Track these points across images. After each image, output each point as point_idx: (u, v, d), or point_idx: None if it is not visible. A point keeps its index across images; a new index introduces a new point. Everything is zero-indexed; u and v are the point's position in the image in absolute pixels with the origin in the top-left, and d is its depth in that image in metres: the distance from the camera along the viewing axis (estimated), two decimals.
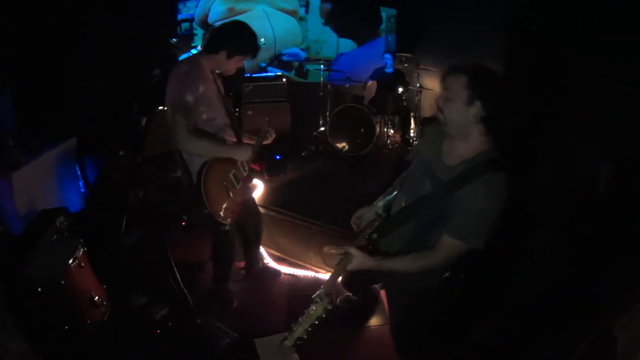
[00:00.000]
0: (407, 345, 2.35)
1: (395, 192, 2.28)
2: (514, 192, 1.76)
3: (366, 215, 2.29)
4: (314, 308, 1.64)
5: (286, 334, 1.61)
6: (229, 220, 2.78)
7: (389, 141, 5.93)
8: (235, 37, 2.62)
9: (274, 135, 3.01)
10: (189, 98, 2.48)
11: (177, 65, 2.63)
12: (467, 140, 1.82)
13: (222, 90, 2.86)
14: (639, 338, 1.73)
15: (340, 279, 2.91)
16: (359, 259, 1.85)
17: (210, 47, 2.65)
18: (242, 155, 2.79)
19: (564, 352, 2.19)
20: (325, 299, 1.65)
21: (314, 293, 3.32)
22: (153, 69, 2.27)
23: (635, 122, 2.95)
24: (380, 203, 2.32)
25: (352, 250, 1.86)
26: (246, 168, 2.89)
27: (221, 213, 2.71)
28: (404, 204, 2.03)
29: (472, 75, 1.71)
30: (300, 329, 1.61)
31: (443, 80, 1.80)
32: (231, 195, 2.75)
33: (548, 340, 2.44)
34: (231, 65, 2.70)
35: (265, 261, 3.76)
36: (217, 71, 2.80)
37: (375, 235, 2.05)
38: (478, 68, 1.74)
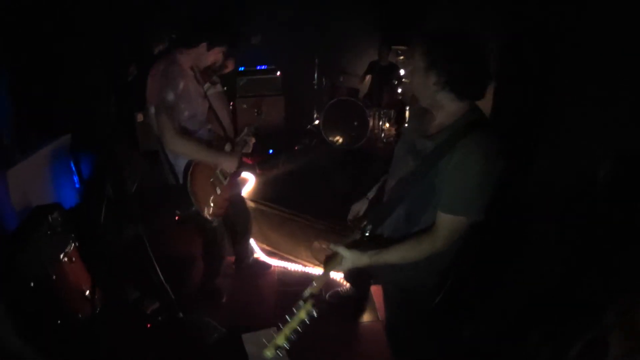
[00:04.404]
0: (402, 342, 2.33)
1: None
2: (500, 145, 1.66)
3: (362, 209, 2.24)
4: (295, 311, 1.55)
5: (265, 341, 1.53)
6: (217, 216, 2.83)
7: (383, 135, 5.96)
8: (213, 27, 2.57)
9: (253, 141, 3.04)
10: (171, 97, 2.47)
11: (155, 65, 2.59)
12: (443, 110, 1.75)
13: (208, 84, 2.86)
14: (634, 345, 1.72)
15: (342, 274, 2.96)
16: (349, 261, 1.72)
17: (187, 42, 2.59)
18: (229, 166, 2.81)
19: (557, 354, 2.19)
20: (309, 301, 1.56)
21: (304, 288, 3.39)
22: (128, 66, 2.22)
23: (636, 116, 2.94)
24: (372, 194, 2.27)
25: (341, 251, 1.72)
26: None
27: (209, 209, 2.74)
28: (392, 189, 1.95)
29: (428, 44, 1.66)
30: (280, 337, 1.52)
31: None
32: (218, 191, 2.79)
33: (541, 340, 2.44)
34: (210, 58, 2.65)
35: (255, 255, 3.82)
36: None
37: (369, 227, 1.91)
38: (435, 36, 1.68)
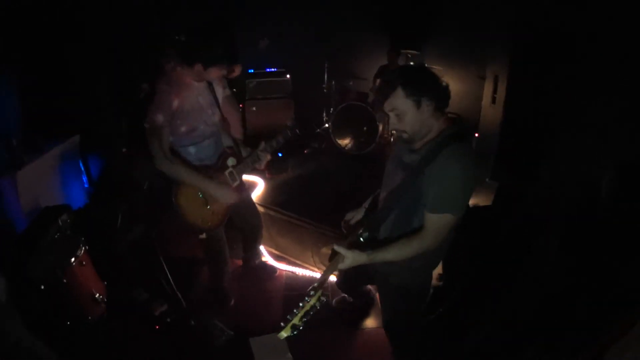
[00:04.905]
0: (400, 344, 2.43)
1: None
2: (514, 197, 1.76)
3: (356, 216, 2.39)
4: (307, 299, 1.68)
5: (282, 324, 1.64)
6: (207, 230, 2.79)
7: (392, 139, 5.93)
8: (206, 49, 2.48)
9: (268, 158, 2.94)
10: (159, 119, 2.44)
11: (157, 80, 2.53)
12: (432, 129, 1.93)
13: (220, 93, 2.82)
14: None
15: (335, 278, 3.00)
16: (350, 258, 1.86)
17: (185, 60, 2.52)
18: (220, 196, 2.71)
19: None
20: (319, 290, 1.70)
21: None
22: (140, 83, 2.17)
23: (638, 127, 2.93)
24: (368, 204, 2.40)
25: (342, 251, 1.86)
26: (236, 178, 2.85)
27: (194, 223, 2.70)
28: (384, 200, 2.11)
29: (403, 83, 1.83)
30: (295, 319, 1.64)
31: (384, 107, 1.93)
32: (208, 207, 2.72)
33: (541, 351, 2.44)
34: (212, 74, 2.59)
35: (263, 258, 3.81)
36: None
37: (365, 234, 2.10)
38: (402, 73, 1.89)
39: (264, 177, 4.47)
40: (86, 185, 4.44)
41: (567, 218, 3.11)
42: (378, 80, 6.30)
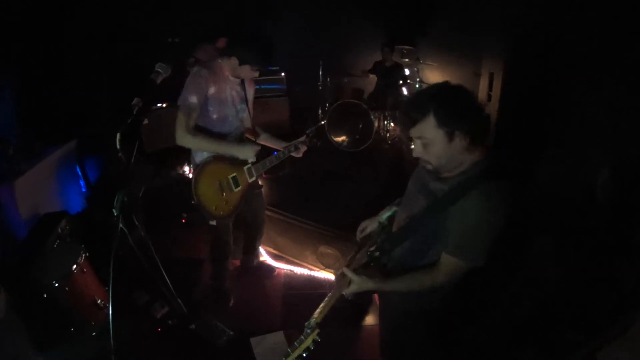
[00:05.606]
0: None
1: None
2: (512, 199, 1.64)
3: (370, 227, 2.24)
4: (303, 338, 1.59)
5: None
6: (217, 218, 2.86)
7: (388, 135, 5.96)
8: (246, 46, 2.61)
9: (304, 149, 3.14)
10: (191, 99, 2.58)
11: (196, 65, 2.69)
12: (464, 161, 1.69)
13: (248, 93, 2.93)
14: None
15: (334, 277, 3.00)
16: (356, 284, 1.75)
17: (226, 51, 2.71)
18: (244, 154, 2.81)
19: None
20: (315, 330, 1.61)
21: (310, 291, 3.43)
22: (131, 99, 2.21)
23: (634, 128, 2.94)
24: (384, 215, 2.23)
25: (351, 275, 1.75)
26: (254, 173, 2.93)
27: (210, 209, 2.77)
28: (402, 222, 1.94)
29: (437, 109, 1.57)
30: None
31: (410, 133, 1.68)
32: (224, 195, 2.80)
33: (539, 351, 2.45)
34: (244, 72, 2.69)
35: (262, 258, 3.86)
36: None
37: (377, 253, 1.95)
38: (436, 97, 1.62)
39: (260, 177, 4.48)
40: (84, 190, 4.45)
41: (564, 218, 3.14)
42: (372, 76, 6.31)
